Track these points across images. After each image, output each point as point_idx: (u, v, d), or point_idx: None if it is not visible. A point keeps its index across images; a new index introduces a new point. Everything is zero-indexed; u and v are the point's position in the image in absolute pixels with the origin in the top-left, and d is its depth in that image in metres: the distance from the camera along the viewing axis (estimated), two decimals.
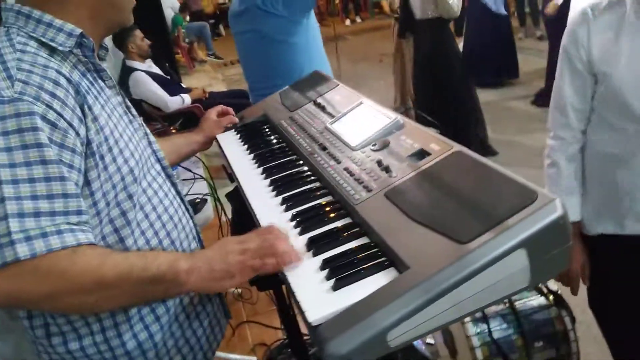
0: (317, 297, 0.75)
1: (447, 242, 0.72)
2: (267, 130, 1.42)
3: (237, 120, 1.48)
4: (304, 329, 1.82)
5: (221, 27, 13.23)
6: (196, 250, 1.06)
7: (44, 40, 0.85)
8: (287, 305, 1.47)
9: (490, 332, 1.78)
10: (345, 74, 6.50)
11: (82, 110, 0.84)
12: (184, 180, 2.12)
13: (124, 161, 0.91)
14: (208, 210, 2.09)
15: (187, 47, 8.81)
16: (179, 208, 1.06)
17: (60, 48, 0.86)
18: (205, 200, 2.11)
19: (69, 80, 0.84)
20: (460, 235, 0.71)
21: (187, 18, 9.27)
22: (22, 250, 0.71)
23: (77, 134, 0.82)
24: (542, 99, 4.62)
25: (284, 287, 1.11)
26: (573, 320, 1.85)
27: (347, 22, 12.92)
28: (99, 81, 0.95)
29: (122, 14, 0.97)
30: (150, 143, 1.06)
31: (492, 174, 0.81)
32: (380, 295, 0.70)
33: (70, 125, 0.81)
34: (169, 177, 1.08)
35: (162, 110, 3.89)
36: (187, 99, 3.97)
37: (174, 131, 4.12)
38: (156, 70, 4.06)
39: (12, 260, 0.71)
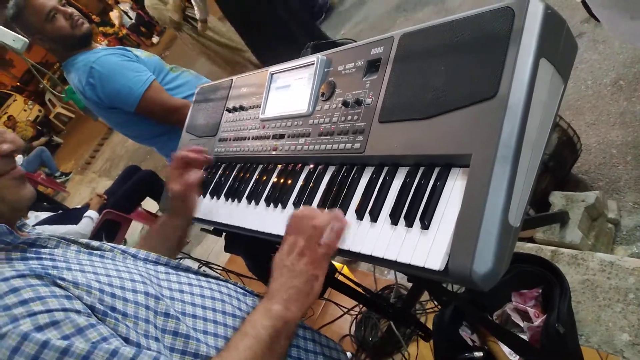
0: (417, 247, 0.69)
1: (479, 107, 0.68)
2: (210, 168, 1.30)
3: (206, 157, 1.20)
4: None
5: (55, 137, 12.38)
6: (267, 291, 0.97)
7: None
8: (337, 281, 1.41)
9: None
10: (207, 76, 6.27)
11: (59, 287, 0.72)
12: None
13: (134, 292, 0.80)
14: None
15: (44, 178, 8.15)
16: (210, 284, 0.96)
17: None
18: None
19: (21, 276, 0.71)
20: (484, 92, 0.67)
21: (20, 157, 8.53)
22: None
23: (78, 311, 0.69)
24: None
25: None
26: None
27: (154, 39, 12.48)
28: (42, 250, 0.81)
29: (10, 202, 0.82)
30: (134, 256, 0.94)
31: (453, 25, 0.77)
32: (472, 195, 0.65)
33: (65, 310, 0.68)
34: (177, 268, 0.97)
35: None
36: (93, 214, 3.66)
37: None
38: (45, 214, 3.70)
39: None
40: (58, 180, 8.86)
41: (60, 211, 3.93)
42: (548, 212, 1.87)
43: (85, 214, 3.66)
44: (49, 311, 0.67)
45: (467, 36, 0.74)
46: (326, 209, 0.85)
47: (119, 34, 12.60)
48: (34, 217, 3.63)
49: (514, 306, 1.12)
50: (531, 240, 1.90)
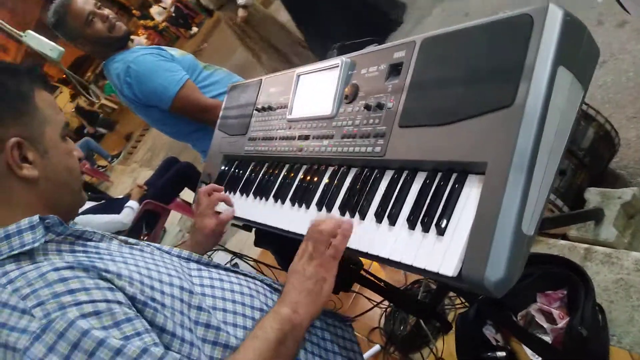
0: (433, 253, 0.71)
1: (496, 115, 0.68)
2: (240, 166, 1.35)
3: (227, 198, 1.26)
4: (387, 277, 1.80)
5: (99, 128, 12.81)
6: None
7: (15, 252, 0.77)
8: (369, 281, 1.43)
9: None
10: (235, 71, 6.36)
11: (103, 279, 0.77)
12: None
13: (170, 286, 0.85)
14: (245, 266, 2.02)
15: (89, 168, 8.51)
16: (239, 280, 1.01)
17: (35, 246, 0.77)
18: (236, 264, 2.04)
19: (70, 267, 0.76)
20: (501, 100, 0.68)
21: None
22: None
23: (119, 302, 0.75)
24: None
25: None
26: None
27: (194, 29, 12.70)
28: (88, 244, 0.87)
29: (76, 195, 0.92)
30: (169, 253, 1.00)
31: (473, 32, 0.77)
32: (486, 203, 0.66)
33: (107, 301, 0.74)
34: (207, 265, 1.02)
35: (124, 230, 3.74)
36: (134, 204, 3.80)
37: (145, 238, 3.98)
38: (88, 204, 3.87)
39: None
40: (112, 164, 9.30)
41: (103, 201, 4.10)
42: (583, 209, 1.83)
43: (126, 204, 3.81)
44: (92, 302, 0.72)
45: (486, 43, 0.74)
46: (346, 215, 0.88)
47: (158, 27, 12.88)
48: None
49: (539, 307, 1.12)
50: (565, 237, 1.87)
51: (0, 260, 0.76)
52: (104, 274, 0.77)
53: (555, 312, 1.08)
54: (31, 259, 0.77)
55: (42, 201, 0.84)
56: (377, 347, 2.15)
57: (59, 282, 0.73)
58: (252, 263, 2.13)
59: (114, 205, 3.90)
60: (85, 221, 3.54)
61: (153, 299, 0.80)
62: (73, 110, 13.19)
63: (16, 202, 0.81)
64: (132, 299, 0.77)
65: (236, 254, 2.09)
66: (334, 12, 4.22)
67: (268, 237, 1.38)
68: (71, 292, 0.72)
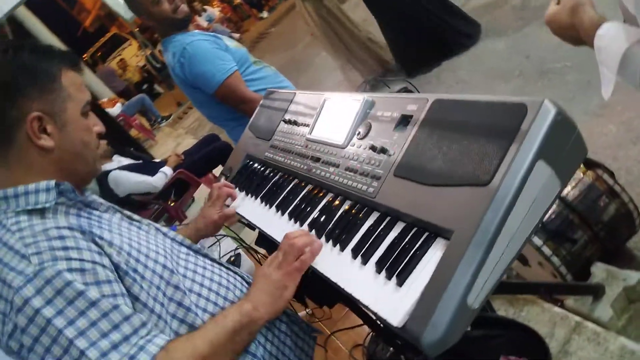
0: (388, 300, 0.77)
1: (473, 190, 0.73)
2: (258, 169, 1.43)
3: (233, 193, 1.41)
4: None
5: (156, 87, 13.23)
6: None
7: (29, 208, 0.89)
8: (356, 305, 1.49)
9: (544, 225, 1.80)
10: (288, 65, 6.50)
11: (96, 244, 0.89)
12: (209, 247, 2.15)
13: (154, 262, 0.96)
14: (246, 261, 2.12)
15: (138, 123, 8.85)
16: (221, 272, 1.11)
17: (47, 206, 0.90)
18: (239, 254, 2.13)
19: (70, 228, 0.88)
20: (480, 178, 0.73)
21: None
22: None
23: (103, 265, 0.86)
24: None
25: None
26: (611, 174, 1.87)
27: (264, 14, 12.86)
28: (94, 212, 1.00)
29: (89, 166, 1.01)
30: (164, 234, 1.11)
31: (476, 106, 0.82)
32: (443, 269, 0.72)
33: (94, 262, 0.85)
34: (197, 252, 1.12)
35: (154, 192, 3.91)
36: (168, 171, 3.98)
37: (172, 204, 4.15)
38: (126, 161, 4.07)
39: None
40: (161, 125, 9.65)
41: (140, 161, 4.30)
42: (586, 281, 1.83)
43: (161, 169, 3.98)
44: (81, 260, 0.84)
45: (484, 120, 0.79)
46: (329, 243, 0.96)
47: (233, 2, 13.17)
48: (117, 161, 4.00)
49: None
50: (561, 304, 1.87)
51: (17, 212, 0.89)
52: (97, 239, 0.89)
53: None
54: (41, 215, 0.89)
55: (56, 168, 0.95)
56: None
57: (57, 239, 0.85)
58: (259, 257, 2.23)
59: (150, 167, 4.08)
60: (119, 177, 3.73)
61: (135, 270, 0.91)
62: (137, 64, 13.70)
63: (34, 167, 0.93)
64: (116, 266, 0.88)
65: (244, 245, 2.18)
66: (412, 23, 4.33)
67: (267, 239, 1.46)
68: (65, 248, 0.84)
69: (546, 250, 1.82)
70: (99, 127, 1.04)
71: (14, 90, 0.92)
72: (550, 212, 1.86)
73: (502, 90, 3.53)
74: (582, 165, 1.90)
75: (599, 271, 1.82)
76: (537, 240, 1.82)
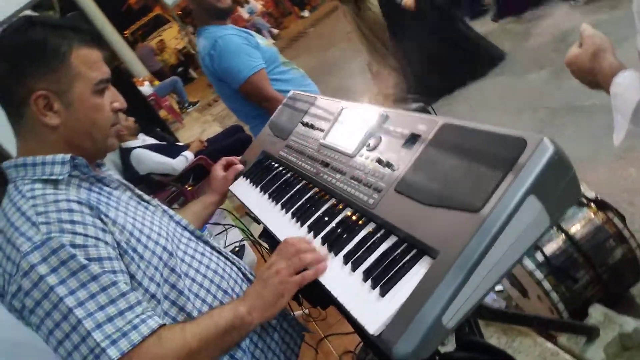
0: (369, 308, 0.80)
1: (464, 215, 0.76)
2: (271, 166, 1.47)
3: (242, 167, 1.54)
4: None
5: (191, 72, 13.43)
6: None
7: (44, 177, 0.95)
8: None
9: (549, 261, 1.81)
10: (319, 67, 6.55)
11: (101, 220, 0.94)
12: (217, 235, 2.20)
13: (155, 243, 1.01)
14: (249, 254, 2.16)
15: (168, 105, 9.00)
16: (219, 260, 1.15)
17: (60, 177, 0.95)
18: (243, 245, 2.18)
19: (79, 202, 0.94)
20: (472, 204, 0.76)
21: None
22: (113, 352, 0.81)
23: (106, 242, 0.92)
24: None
25: None
26: (622, 218, 1.87)
27: (306, 12, 12.93)
28: (105, 188, 1.05)
29: (98, 143, 1.04)
30: (170, 217, 1.16)
31: (480, 135, 0.84)
32: (424, 286, 0.74)
33: (97, 238, 0.91)
34: (199, 238, 1.17)
35: (172, 175, 4.00)
36: (189, 155, 4.07)
37: (189, 189, 4.23)
38: (151, 140, 4.17)
39: None
40: (188, 110, 9.82)
41: (164, 142, 4.40)
42: (582, 321, 1.82)
43: (182, 153, 4.07)
44: (85, 235, 0.89)
45: (486, 149, 0.81)
46: (323, 246, 0.99)
47: None
48: (141, 140, 4.10)
49: None
50: (555, 341, 1.86)
51: (32, 180, 0.94)
52: (103, 216, 0.94)
53: None
54: (54, 186, 0.95)
55: (64, 143, 0.99)
56: None
57: (66, 211, 0.90)
58: (262, 251, 2.27)
59: (172, 150, 4.17)
60: (142, 155, 3.82)
61: (134, 250, 0.95)
62: (176, 47, 13.93)
63: (44, 141, 0.98)
64: (117, 243, 0.94)
65: (250, 238, 2.23)
66: (442, 47, 4.39)
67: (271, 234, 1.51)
68: (72, 222, 0.89)
69: (546, 284, 1.83)
70: (119, 103, 1.05)
71: (20, 68, 0.94)
72: (555, 247, 1.87)
73: (527, 120, 3.52)
74: (594, 206, 1.90)
75: (596, 313, 1.82)
76: (539, 274, 1.82)
